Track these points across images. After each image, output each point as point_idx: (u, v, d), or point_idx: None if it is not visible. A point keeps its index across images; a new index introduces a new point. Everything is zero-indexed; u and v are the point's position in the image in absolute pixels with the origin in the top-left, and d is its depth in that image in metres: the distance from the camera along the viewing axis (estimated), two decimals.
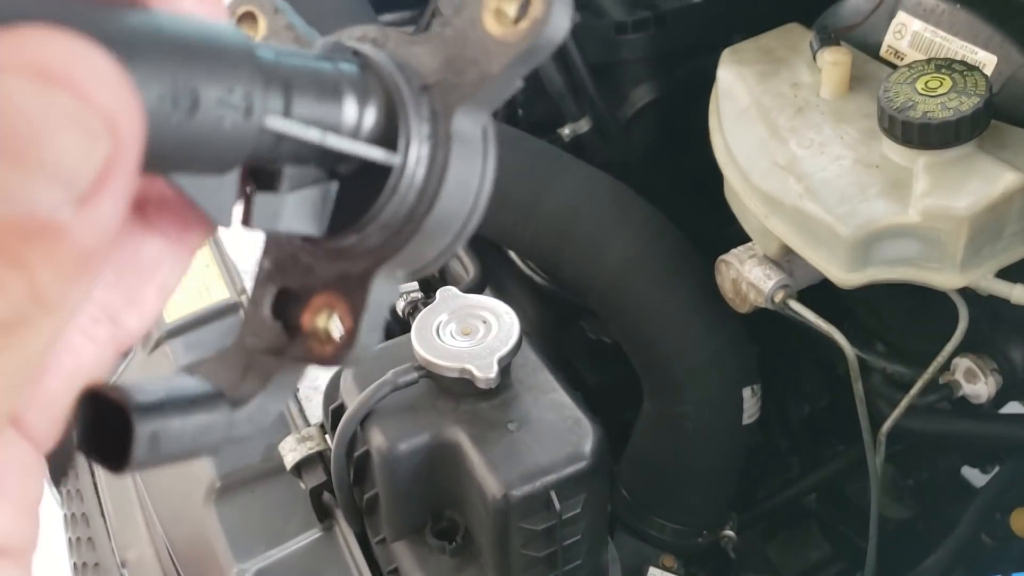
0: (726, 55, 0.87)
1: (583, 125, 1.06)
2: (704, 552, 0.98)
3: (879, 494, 0.86)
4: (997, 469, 1.08)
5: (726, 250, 0.86)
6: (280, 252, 0.32)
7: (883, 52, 0.85)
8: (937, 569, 0.94)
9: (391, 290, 0.30)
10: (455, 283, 1.08)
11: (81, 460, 1.16)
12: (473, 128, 0.30)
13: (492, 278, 1.10)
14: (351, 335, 0.29)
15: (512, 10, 0.28)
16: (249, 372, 0.30)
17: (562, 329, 1.12)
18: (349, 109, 0.29)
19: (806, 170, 0.76)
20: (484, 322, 0.80)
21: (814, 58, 0.83)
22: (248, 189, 0.29)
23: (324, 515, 0.87)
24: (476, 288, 1.04)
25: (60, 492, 1.20)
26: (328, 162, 0.30)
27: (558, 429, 0.77)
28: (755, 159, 0.79)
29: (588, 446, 0.76)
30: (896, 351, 0.92)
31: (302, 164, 0.30)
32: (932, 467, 1.23)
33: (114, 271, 0.28)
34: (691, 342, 0.88)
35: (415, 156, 0.29)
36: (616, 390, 1.07)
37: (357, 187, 0.30)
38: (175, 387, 0.29)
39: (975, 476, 1.24)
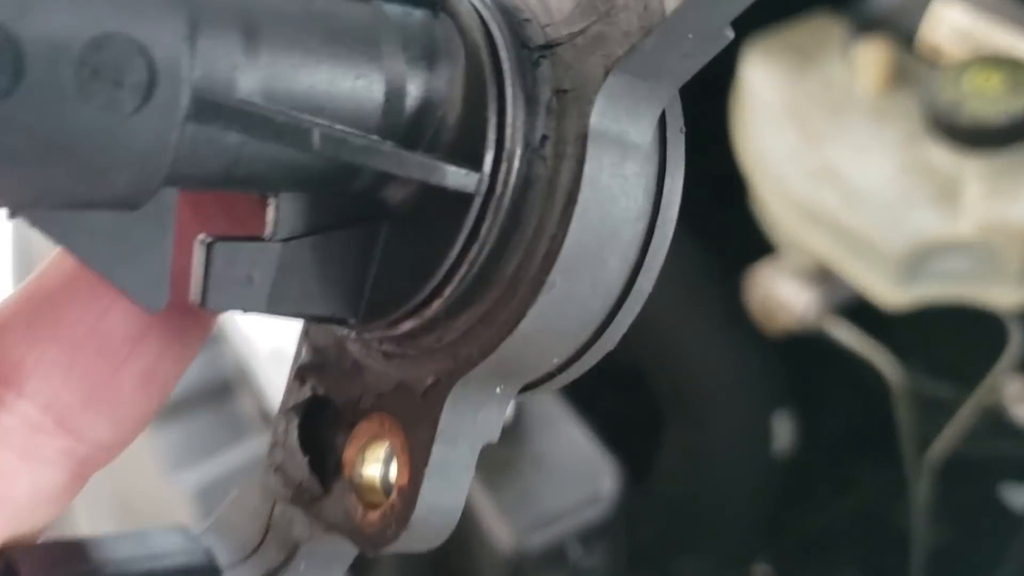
0: (750, 52, 0.80)
1: None
2: None
3: (925, 526, 0.79)
4: None
5: (749, 259, 0.79)
6: (321, 336, 0.20)
7: (920, 45, 0.78)
8: None
9: (481, 419, 0.18)
10: None
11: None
12: (634, 121, 0.16)
13: None
14: (407, 497, 0.17)
15: None
16: (272, 534, 0.19)
17: None
18: (391, 84, 0.16)
19: (844, 177, 0.69)
20: None
21: (848, 54, 0.76)
22: (203, 237, 0.16)
23: None
24: None
25: None
26: (359, 187, 0.17)
27: (574, 468, 0.70)
28: (786, 165, 0.72)
29: (606, 486, 0.69)
30: (939, 369, 0.85)
31: (306, 190, 0.17)
32: (970, 488, 1.16)
33: (61, 351, 0.18)
34: (716, 365, 0.81)
35: (517, 175, 0.16)
36: (634, 415, 1.00)
37: (418, 233, 0.17)
38: (143, 555, 0.18)
39: (1011, 495, 1.17)
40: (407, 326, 0.18)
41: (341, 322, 0.19)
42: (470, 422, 0.18)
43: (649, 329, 0.82)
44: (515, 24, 0.17)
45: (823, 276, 0.75)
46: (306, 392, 0.20)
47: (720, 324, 0.81)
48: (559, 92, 0.16)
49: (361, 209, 0.18)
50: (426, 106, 0.17)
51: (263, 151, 0.15)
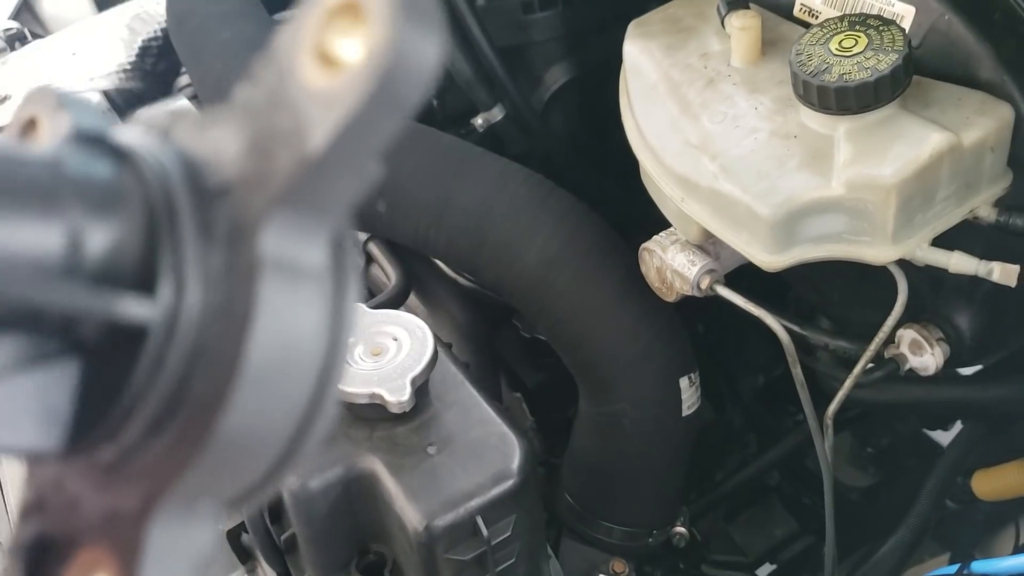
0: (631, 29, 0.81)
1: (496, 114, 1.00)
2: (656, 551, 0.94)
3: (832, 481, 0.82)
4: (955, 433, 1.04)
5: (647, 233, 0.81)
6: (41, 473, 0.21)
7: (797, 11, 0.79)
8: (900, 550, 0.90)
9: (189, 538, 0.19)
10: (377, 290, 1.02)
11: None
12: (302, 249, 0.19)
13: (417, 283, 1.04)
14: None
15: (343, 47, 0.18)
16: None
17: (495, 330, 1.07)
18: (69, 235, 0.18)
19: (720, 147, 0.71)
20: (395, 339, 0.74)
21: (723, 24, 0.77)
22: None
23: (246, 557, 0.81)
24: (400, 296, 0.99)
25: None
26: (47, 328, 0.19)
27: (482, 448, 0.72)
28: (666, 139, 0.73)
29: (515, 463, 0.71)
30: (839, 325, 0.88)
31: None
32: (891, 432, 1.19)
33: None
34: (621, 337, 0.83)
35: (192, 302, 0.19)
36: (556, 387, 1.02)
37: (109, 363, 0.19)
38: None
39: (938, 432, 1.21)
40: (108, 453, 0.19)
41: (42, 454, 0.20)
42: (181, 539, 0.19)
43: (553, 305, 0.84)
44: (194, 171, 0.19)
45: (712, 243, 0.77)
46: (29, 531, 0.21)
47: (622, 298, 0.83)
48: (232, 229, 0.19)
49: (51, 345, 0.19)
50: (106, 251, 0.19)
51: None
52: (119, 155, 0.20)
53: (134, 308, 0.18)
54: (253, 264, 0.18)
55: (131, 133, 0.20)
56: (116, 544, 0.19)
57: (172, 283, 0.19)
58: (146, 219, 0.19)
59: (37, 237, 0.18)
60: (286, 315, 0.18)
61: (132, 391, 0.19)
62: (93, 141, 0.20)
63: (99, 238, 0.19)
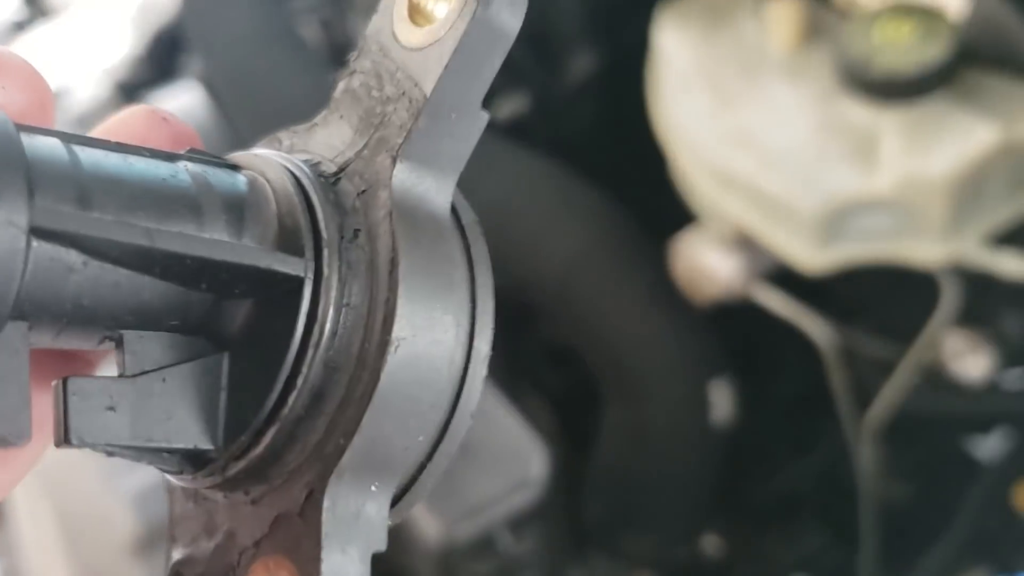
0: (663, 15, 0.78)
1: (521, 102, 0.97)
2: (684, 563, 0.91)
3: (872, 488, 0.78)
4: (997, 443, 1.00)
5: (675, 229, 0.77)
6: (187, 528, 0.21)
7: None
8: (940, 563, 0.87)
9: (364, 521, 0.18)
10: None
11: (9, 511, 1.08)
12: (430, 198, 0.20)
13: None
14: None
15: (434, 5, 0.20)
16: None
17: (519, 333, 1.03)
18: (212, 223, 0.19)
19: (759, 139, 0.67)
20: None
21: (760, 11, 0.74)
22: (59, 382, 0.18)
23: None
24: None
25: None
26: (196, 315, 0.19)
27: (503, 454, 0.69)
28: (700, 131, 0.70)
29: (536, 472, 0.68)
30: (879, 330, 0.84)
31: (147, 323, 0.19)
32: (930, 444, 1.15)
33: None
34: (648, 339, 0.80)
35: (339, 260, 0.19)
36: (579, 391, 0.99)
37: (260, 347, 0.19)
38: None
39: (974, 445, 1.17)
40: (269, 436, 0.19)
41: (203, 455, 0.19)
42: (353, 524, 0.18)
43: (579, 307, 0.81)
44: (313, 168, 0.20)
45: (746, 242, 0.74)
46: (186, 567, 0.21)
47: (651, 299, 0.80)
48: (360, 194, 0.19)
49: (202, 343, 0.19)
50: (245, 237, 0.20)
51: (103, 274, 0.17)
52: (239, 170, 0.21)
53: (281, 260, 0.19)
54: (388, 212, 0.19)
55: (253, 156, 0.22)
56: (285, 547, 0.18)
57: (312, 241, 0.19)
58: (282, 206, 0.20)
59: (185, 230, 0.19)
60: (429, 252, 0.19)
61: (290, 353, 0.19)
62: (228, 165, 0.21)
63: (231, 229, 0.20)
